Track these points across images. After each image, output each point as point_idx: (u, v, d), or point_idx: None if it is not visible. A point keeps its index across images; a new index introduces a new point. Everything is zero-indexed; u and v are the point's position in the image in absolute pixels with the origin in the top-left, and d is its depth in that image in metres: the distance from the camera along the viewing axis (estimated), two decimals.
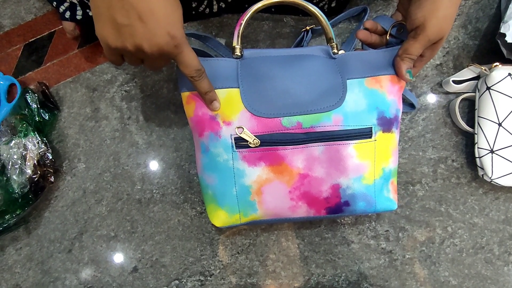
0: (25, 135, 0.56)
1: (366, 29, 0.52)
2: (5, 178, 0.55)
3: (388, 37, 0.51)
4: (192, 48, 0.44)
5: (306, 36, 0.59)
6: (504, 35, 0.56)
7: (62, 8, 0.55)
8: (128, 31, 0.37)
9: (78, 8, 0.55)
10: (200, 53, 0.51)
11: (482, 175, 0.58)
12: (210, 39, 0.53)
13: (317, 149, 0.46)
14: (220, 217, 0.50)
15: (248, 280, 0.58)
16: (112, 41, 0.38)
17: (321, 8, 0.58)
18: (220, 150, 0.47)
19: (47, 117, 0.59)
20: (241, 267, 0.58)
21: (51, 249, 0.58)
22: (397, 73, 0.48)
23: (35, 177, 0.55)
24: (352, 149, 0.47)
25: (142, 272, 0.57)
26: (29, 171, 0.55)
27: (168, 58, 0.41)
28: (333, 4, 0.59)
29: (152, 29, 0.37)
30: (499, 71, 0.55)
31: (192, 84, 0.45)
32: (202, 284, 0.57)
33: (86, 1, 0.54)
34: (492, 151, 0.55)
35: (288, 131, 0.46)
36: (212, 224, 0.53)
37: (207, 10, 0.60)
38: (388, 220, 0.59)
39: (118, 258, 0.58)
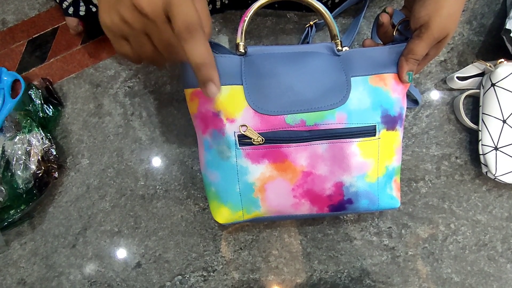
0: (29, 131, 0.56)
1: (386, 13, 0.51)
2: (9, 174, 0.56)
3: (395, 33, 0.50)
4: None
5: (311, 32, 0.59)
6: (509, 31, 0.56)
7: (65, 4, 0.55)
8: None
9: (81, 4, 0.54)
10: None
11: (486, 172, 0.57)
12: (212, 44, 0.52)
13: (320, 147, 0.46)
14: (223, 214, 0.50)
15: (251, 276, 0.58)
16: (109, 20, 0.36)
17: (325, 4, 0.58)
18: (223, 147, 0.47)
19: (51, 113, 0.59)
20: (243, 263, 0.58)
21: (55, 244, 0.58)
22: (398, 73, 0.48)
23: (39, 173, 0.56)
24: (356, 147, 0.46)
25: (145, 268, 0.58)
26: (33, 167, 0.55)
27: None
28: (336, 0, 0.59)
29: None
30: (504, 68, 0.55)
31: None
32: (205, 279, 0.58)
33: None
34: (496, 148, 0.55)
35: (291, 129, 0.46)
36: (215, 220, 0.53)
37: (210, 6, 0.59)
38: (391, 216, 0.59)
39: (122, 253, 0.58)
